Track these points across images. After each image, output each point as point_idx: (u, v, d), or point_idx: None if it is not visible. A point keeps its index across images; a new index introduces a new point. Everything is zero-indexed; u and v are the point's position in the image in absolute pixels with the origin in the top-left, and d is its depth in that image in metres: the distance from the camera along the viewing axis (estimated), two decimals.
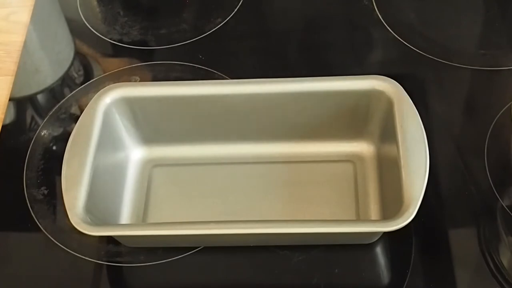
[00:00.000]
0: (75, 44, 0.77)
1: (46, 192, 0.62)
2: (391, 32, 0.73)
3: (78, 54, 0.76)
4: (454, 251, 0.55)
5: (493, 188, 0.58)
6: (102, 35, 0.77)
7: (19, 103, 0.71)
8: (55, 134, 0.67)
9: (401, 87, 0.56)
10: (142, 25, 0.77)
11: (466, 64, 0.69)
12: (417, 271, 0.54)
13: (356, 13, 0.76)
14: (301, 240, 0.56)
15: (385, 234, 0.55)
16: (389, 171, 0.56)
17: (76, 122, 0.56)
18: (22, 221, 0.60)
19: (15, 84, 0.72)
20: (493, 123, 0.63)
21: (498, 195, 0.58)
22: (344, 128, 0.61)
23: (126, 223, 0.58)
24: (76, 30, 0.79)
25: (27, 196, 0.61)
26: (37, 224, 0.59)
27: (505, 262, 0.55)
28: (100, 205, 0.56)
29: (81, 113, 0.57)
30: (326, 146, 0.62)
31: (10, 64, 0.74)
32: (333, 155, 0.62)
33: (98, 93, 0.59)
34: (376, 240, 0.56)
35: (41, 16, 0.80)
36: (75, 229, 0.50)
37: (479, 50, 0.71)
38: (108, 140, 0.58)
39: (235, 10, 0.77)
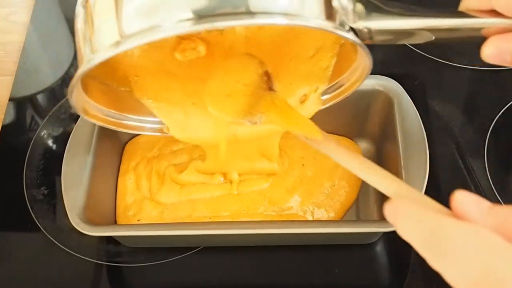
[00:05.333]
0: (75, 44, 0.77)
1: (46, 192, 0.62)
2: None
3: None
4: None
5: (493, 188, 0.58)
6: None
7: (19, 103, 0.71)
8: (55, 134, 0.67)
9: (401, 87, 0.56)
10: None
11: (466, 64, 0.69)
12: (417, 271, 0.54)
13: None
14: (301, 240, 0.56)
15: (385, 234, 0.55)
16: (389, 171, 0.56)
17: (76, 122, 0.56)
18: (22, 221, 0.60)
19: (15, 84, 0.72)
20: (493, 123, 0.63)
21: (498, 195, 0.58)
22: (344, 128, 0.61)
23: (126, 223, 0.58)
24: None
25: (27, 196, 0.61)
26: (37, 224, 0.59)
27: None
28: (100, 205, 0.56)
29: None
30: None
31: (10, 64, 0.74)
32: None
33: None
34: (376, 240, 0.56)
35: (41, 16, 0.80)
36: (75, 229, 0.50)
37: (479, 50, 0.70)
38: (108, 140, 0.58)
39: None
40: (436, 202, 0.31)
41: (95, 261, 0.57)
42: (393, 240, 0.56)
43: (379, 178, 0.35)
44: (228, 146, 0.52)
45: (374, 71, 0.58)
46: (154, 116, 0.51)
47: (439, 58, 0.69)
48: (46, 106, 0.70)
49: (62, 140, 0.64)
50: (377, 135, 0.60)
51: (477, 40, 0.36)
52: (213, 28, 0.33)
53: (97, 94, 0.46)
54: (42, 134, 0.67)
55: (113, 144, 0.61)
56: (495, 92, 0.67)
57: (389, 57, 0.72)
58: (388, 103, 0.56)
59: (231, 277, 0.56)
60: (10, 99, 0.71)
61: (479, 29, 0.36)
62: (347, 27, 0.36)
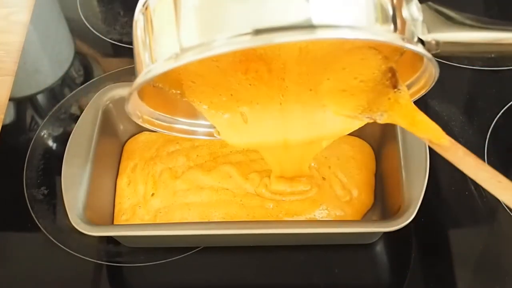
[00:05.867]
0: (75, 44, 0.78)
1: (46, 192, 0.62)
2: None
3: (78, 54, 0.76)
4: (454, 251, 0.55)
5: None
6: (102, 35, 0.77)
7: (19, 103, 0.71)
8: (55, 134, 0.67)
9: None
10: None
11: (466, 64, 0.69)
12: (417, 271, 0.54)
13: None
14: (301, 240, 0.56)
15: (385, 234, 0.55)
16: (389, 171, 0.56)
17: (76, 122, 0.56)
18: (22, 221, 0.60)
19: (15, 84, 0.72)
20: (493, 123, 0.63)
21: None
22: None
23: (130, 222, 0.57)
24: (76, 30, 0.79)
25: (27, 196, 0.61)
26: (37, 224, 0.59)
27: (504, 262, 0.55)
28: (100, 205, 0.56)
29: (81, 113, 0.57)
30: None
31: (10, 64, 0.74)
32: None
33: (98, 93, 0.59)
34: (376, 240, 0.56)
35: (41, 16, 0.80)
36: (75, 229, 0.50)
37: None
38: (108, 140, 0.58)
39: None
40: None
41: (95, 261, 0.57)
42: (393, 240, 0.56)
43: (511, 194, 0.33)
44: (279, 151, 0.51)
45: None
46: (206, 119, 0.50)
47: (439, 58, 0.69)
48: (46, 106, 0.70)
49: (62, 140, 0.64)
50: (377, 135, 0.60)
51: None
52: (272, 43, 0.32)
53: (149, 96, 0.46)
54: (42, 134, 0.67)
55: (113, 144, 0.61)
56: (495, 92, 0.67)
57: None
58: None
59: (231, 277, 0.56)
60: (10, 99, 0.71)
61: None
62: (415, 39, 0.35)
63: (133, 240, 0.57)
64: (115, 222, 0.57)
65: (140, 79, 0.37)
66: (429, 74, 0.41)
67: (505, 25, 0.35)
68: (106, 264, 0.57)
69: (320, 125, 0.48)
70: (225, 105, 0.48)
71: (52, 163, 0.64)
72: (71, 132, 0.56)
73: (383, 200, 0.57)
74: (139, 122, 0.46)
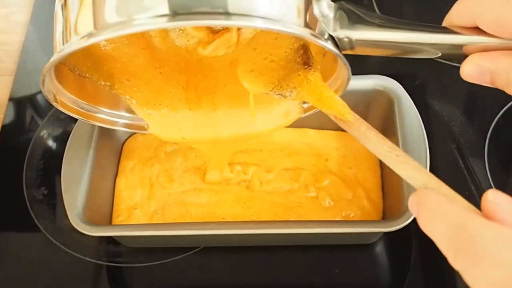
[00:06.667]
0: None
1: (46, 192, 0.62)
2: None
3: None
4: None
5: (493, 188, 0.58)
6: None
7: (19, 103, 0.71)
8: (55, 134, 0.67)
9: (401, 86, 0.56)
10: None
11: None
12: (417, 271, 0.54)
13: None
14: (301, 240, 0.56)
15: (385, 234, 0.55)
16: (389, 170, 0.56)
17: (76, 122, 0.56)
18: (22, 221, 0.60)
19: (15, 84, 0.72)
20: (493, 123, 0.63)
21: None
22: None
23: (126, 223, 0.57)
24: None
25: (27, 196, 0.61)
26: (37, 224, 0.59)
27: None
28: (100, 205, 0.56)
29: None
30: None
31: (10, 64, 0.74)
32: None
33: None
34: (376, 240, 0.56)
35: (41, 16, 0.80)
36: (75, 229, 0.50)
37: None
38: (108, 140, 0.58)
39: None
40: (466, 200, 0.30)
41: (95, 261, 0.57)
42: (393, 240, 0.56)
43: (408, 168, 0.34)
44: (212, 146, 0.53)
45: (374, 71, 0.58)
46: (130, 112, 0.51)
47: (439, 58, 0.69)
48: (46, 106, 0.70)
49: (62, 140, 0.64)
50: None
51: (458, 57, 0.35)
52: (187, 25, 0.33)
53: (74, 85, 0.46)
54: (42, 134, 0.67)
55: (113, 144, 0.61)
56: (495, 92, 0.66)
57: (389, 57, 0.72)
58: (388, 103, 0.56)
59: (231, 277, 0.56)
60: (10, 99, 0.71)
61: (461, 46, 0.36)
62: (326, 35, 0.36)
63: (133, 240, 0.57)
64: (112, 223, 0.57)
65: (52, 59, 0.37)
66: (343, 73, 0.42)
67: (413, 25, 0.36)
68: (106, 264, 0.57)
69: (249, 125, 0.50)
70: (161, 103, 0.49)
71: (52, 163, 0.64)
72: (71, 132, 0.56)
73: (383, 200, 0.57)
74: (57, 106, 0.46)
